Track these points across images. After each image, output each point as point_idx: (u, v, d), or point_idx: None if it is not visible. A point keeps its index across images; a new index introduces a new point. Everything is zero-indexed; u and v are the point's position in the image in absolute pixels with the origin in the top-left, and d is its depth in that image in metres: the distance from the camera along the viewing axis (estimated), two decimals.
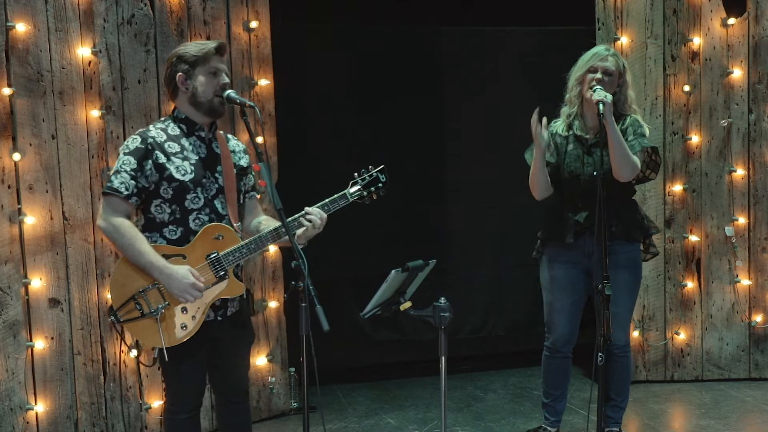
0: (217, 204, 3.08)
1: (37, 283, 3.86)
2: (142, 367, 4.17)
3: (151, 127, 3.11)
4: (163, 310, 2.96)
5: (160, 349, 2.98)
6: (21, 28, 3.77)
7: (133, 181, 2.97)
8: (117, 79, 4.07)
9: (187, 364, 3.06)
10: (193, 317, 3.01)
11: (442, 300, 3.08)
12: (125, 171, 2.97)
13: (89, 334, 4.02)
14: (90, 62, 3.99)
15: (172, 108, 3.16)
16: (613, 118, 3.62)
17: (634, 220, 3.88)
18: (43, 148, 3.86)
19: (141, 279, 2.96)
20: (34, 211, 3.85)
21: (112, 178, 2.98)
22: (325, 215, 3.06)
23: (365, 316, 3.13)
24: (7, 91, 3.75)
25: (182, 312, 2.99)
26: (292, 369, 4.78)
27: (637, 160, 3.73)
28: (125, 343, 3.22)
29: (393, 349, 5.69)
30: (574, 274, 3.91)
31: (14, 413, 3.81)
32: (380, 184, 3.16)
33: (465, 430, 4.50)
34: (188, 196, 3.02)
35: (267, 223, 3.20)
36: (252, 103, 2.99)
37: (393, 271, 3.01)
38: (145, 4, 4.14)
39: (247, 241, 3.03)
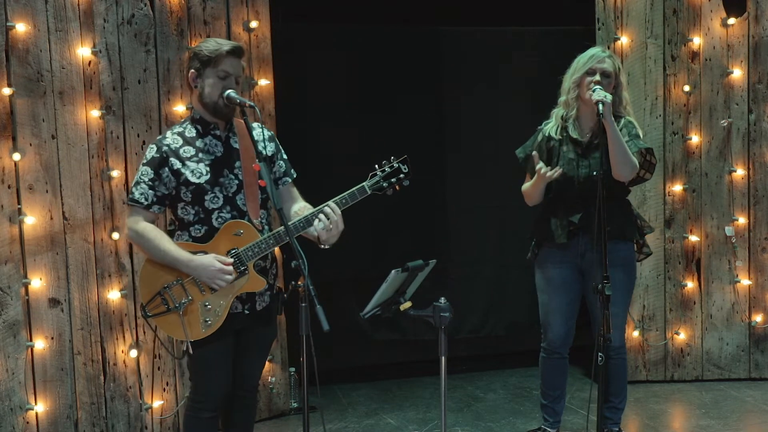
0: (239, 201, 3.11)
1: (37, 283, 3.86)
2: (142, 367, 4.19)
3: (168, 132, 3.15)
4: (186, 305, 3.02)
5: (187, 342, 3.04)
6: (21, 28, 3.77)
7: (151, 191, 3.06)
8: (117, 79, 4.07)
9: (213, 355, 3.10)
10: (217, 312, 3.05)
11: (442, 300, 3.07)
12: (143, 182, 3.07)
13: (89, 334, 4.02)
14: (90, 62, 3.99)
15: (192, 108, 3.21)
16: (613, 118, 3.63)
17: (627, 219, 3.88)
18: (43, 148, 3.86)
19: (166, 275, 3.05)
20: (34, 211, 3.85)
21: (133, 189, 3.08)
22: (338, 210, 3.03)
23: (365, 316, 3.12)
24: (7, 91, 3.75)
25: (205, 307, 3.04)
26: (292, 369, 4.78)
27: (635, 159, 3.73)
28: (158, 338, 3.32)
29: (393, 349, 5.69)
30: (568, 274, 3.91)
31: (14, 413, 3.81)
32: (402, 175, 3.14)
33: (465, 430, 4.49)
34: (206, 197, 3.07)
35: (304, 210, 3.17)
36: (252, 103, 3.02)
37: (393, 271, 3.01)
38: (145, 4, 4.14)
39: (265, 236, 3.06)
